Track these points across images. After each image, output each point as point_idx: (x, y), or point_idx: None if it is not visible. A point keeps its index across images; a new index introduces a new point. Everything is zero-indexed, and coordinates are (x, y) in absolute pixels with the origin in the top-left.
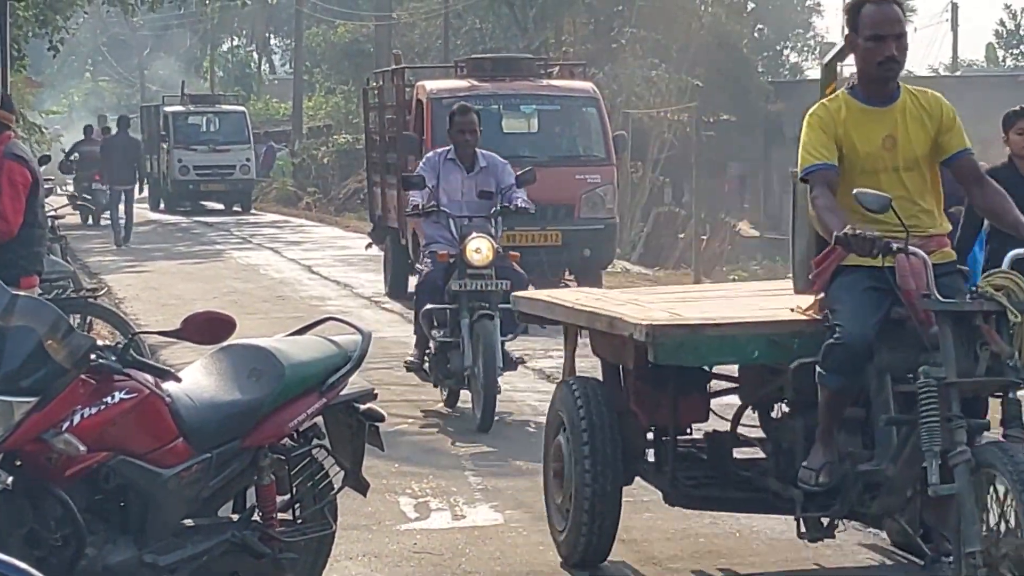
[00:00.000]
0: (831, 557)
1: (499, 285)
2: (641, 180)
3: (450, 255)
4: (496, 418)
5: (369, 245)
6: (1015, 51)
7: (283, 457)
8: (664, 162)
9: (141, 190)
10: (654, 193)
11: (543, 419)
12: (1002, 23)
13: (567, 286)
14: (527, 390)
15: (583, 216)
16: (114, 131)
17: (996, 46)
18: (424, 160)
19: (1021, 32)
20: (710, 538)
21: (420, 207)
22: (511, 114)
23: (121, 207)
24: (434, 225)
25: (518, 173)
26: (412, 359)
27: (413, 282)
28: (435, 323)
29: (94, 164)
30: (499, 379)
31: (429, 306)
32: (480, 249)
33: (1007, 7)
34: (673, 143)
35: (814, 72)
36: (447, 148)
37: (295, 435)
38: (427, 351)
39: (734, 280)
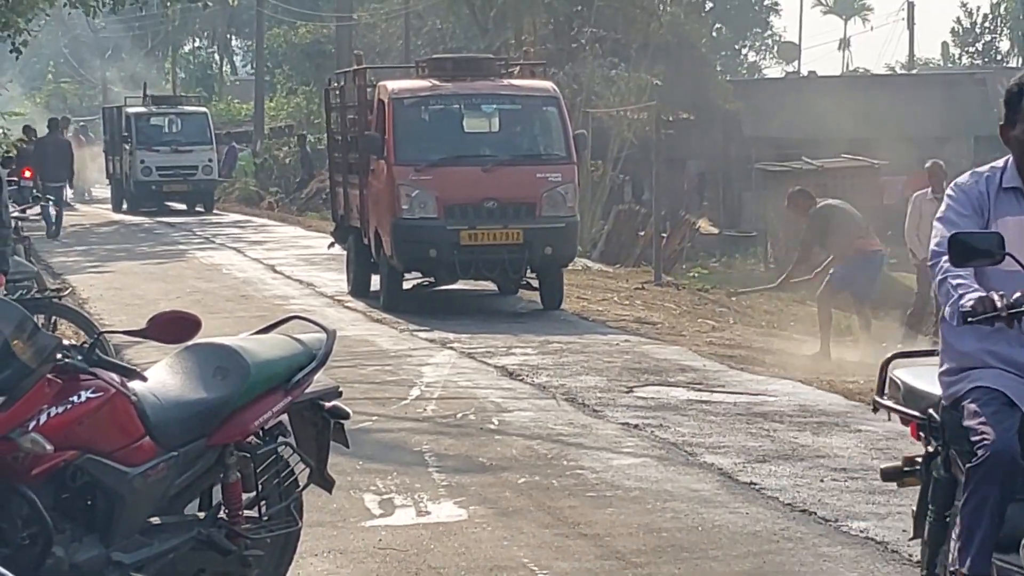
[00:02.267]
0: (792, 551)
1: None
2: (601, 178)
3: None
4: (459, 414)
5: (332, 244)
6: (970, 49)
7: (249, 455)
8: (624, 160)
9: (72, 186)
10: (614, 191)
11: (506, 416)
12: (958, 21)
13: (529, 284)
14: (489, 387)
15: (544, 214)
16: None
17: (952, 44)
18: (953, 190)
19: (977, 30)
20: (672, 532)
21: (996, 304)
22: (472, 114)
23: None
24: (1003, 337)
25: None
26: None
27: (376, 281)
28: None
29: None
30: None
31: None
32: None
33: (963, 5)
34: (633, 141)
35: (772, 71)
36: (996, 166)
37: (261, 433)
38: None
39: (694, 277)
